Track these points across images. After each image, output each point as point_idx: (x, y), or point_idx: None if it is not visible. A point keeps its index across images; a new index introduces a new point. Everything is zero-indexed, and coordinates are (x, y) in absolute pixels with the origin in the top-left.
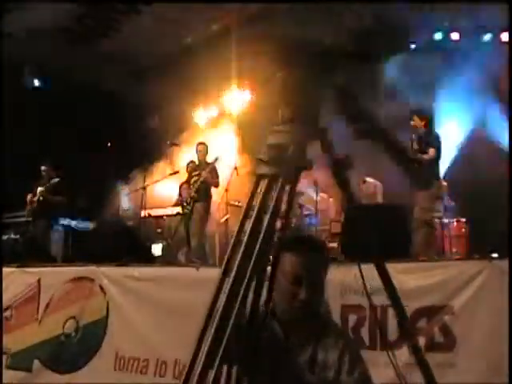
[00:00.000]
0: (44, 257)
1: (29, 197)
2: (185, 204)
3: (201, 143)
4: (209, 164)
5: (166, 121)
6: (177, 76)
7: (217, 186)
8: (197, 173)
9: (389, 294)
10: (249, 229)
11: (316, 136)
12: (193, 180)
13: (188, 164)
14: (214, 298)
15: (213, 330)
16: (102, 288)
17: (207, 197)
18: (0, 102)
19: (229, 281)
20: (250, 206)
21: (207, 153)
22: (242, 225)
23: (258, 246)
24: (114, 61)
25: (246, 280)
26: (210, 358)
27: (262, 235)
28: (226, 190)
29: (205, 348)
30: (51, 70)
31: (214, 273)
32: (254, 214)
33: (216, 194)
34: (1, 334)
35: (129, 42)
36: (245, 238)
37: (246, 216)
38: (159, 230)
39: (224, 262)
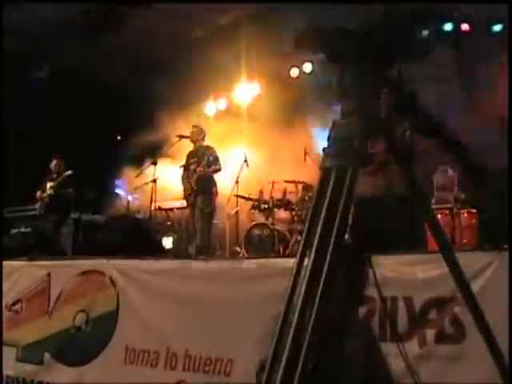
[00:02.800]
0: (54, 250)
1: (38, 193)
2: (188, 196)
3: (194, 126)
4: (206, 148)
5: (175, 113)
6: (186, 68)
7: (217, 171)
8: (193, 160)
9: (456, 282)
10: (321, 221)
11: (379, 129)
12: (191, 168)
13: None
14: (289, 295)
15: (292, 331)
16: (112, 281)
17: (208, 189)
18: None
19: (305, 274)
20: (318, 201)
21: (201, 135)
22: (315, 216)
23: (332, 239)
24: (123, 54)
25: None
26: (292, 358)
27: (335, 228)
28: (237, 182)
29: (287, 346)
30: (60, 63)
31: (224, 265)
32: (324, 207)
33: (225, 186)
34: (1, 334)
35: (138, 35)
36: (318, 230)
37: (316, 210)
38: (169, 223)
39: (298, 256)
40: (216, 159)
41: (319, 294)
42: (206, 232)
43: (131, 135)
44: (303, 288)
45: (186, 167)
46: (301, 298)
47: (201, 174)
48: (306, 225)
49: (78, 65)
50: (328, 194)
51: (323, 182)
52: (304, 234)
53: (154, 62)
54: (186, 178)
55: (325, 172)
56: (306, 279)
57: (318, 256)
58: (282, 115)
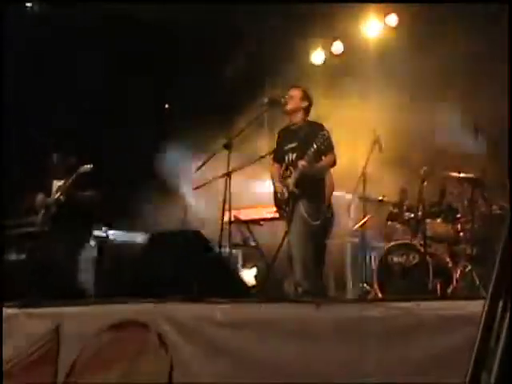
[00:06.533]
0: (66, 289)
1: (39, 198)
2: (282, 203)
3: (295, 85)
4: (312, 128)
5: (262, 63)
6: None
7: (332, 165)
8: (291, 146)
9: None
10: None
11: None
12: (287, 158)
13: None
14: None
15: None
16: (161, 338)
17: (318, 192)
18: None
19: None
20: None
21: (305, 104)
22: None
23: None
24: None
25: None
26: None
27: None
28: (363, 178)
29: None
30: None
31: (345, 313)
32: None
33: (343, 184)
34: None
35: None
36: None
37: None
38: (253, 243)
39: (488, 299)
40: (330, 145)
41: None
42: (314, 258)
43: (187, 102)
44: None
45: (276, 156)
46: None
47: (305, 171)
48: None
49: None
50: None
51: None
52: (497, 264)
53: None
54: (278, 174)
55: None
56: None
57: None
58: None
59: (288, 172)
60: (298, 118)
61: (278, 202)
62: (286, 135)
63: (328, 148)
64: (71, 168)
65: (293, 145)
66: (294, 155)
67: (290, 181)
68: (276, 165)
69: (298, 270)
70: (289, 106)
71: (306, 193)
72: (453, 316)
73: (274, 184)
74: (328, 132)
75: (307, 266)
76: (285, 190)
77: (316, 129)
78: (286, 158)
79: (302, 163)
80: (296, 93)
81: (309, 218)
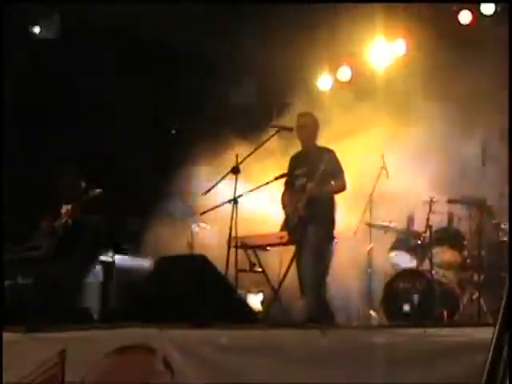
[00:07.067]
0: (71, 314)
1: (45, 222)
2: (291, 229)
3: (305, 113)
4: (322, 150)
5: (269, 90)
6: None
7: (341, 189)
8: (302, 170)
9: None
10: None
11: None
12: (297, 183)
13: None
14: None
15: None
16: (167, 363)
17: (327, 214)
18: None
19: None
20: None
21: (314, 130)
22: None
23: None
24: None
25: None
26: None
27: None
28: (370, 203)
29: None
30: None
31: (351, 339)
32: None
33: (350, 209)
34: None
35: None
36: None
37: None
38: (259, 269)
39: (497, 327)
40: (339, 169)
41: None
42: (322, 283)
43: (194, 127)
44: None
45: (288, 182)
46: None
47: (314, 194)
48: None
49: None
50: None
51: None
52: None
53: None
54: (288, 199)
55: None
56: None
57: None
58: (444, 88)
59: (298, 197)
60: (308, 143)
61: (288, 226)
62: (296, 161)
63: (337, 171)
64: (80, 192)
65: (303, 170)
66: (305, 180)
67: (300, 204)
68: (287, 190)
69: (308, 293)
70: (300, 135)
71: (316, 217)
72: (460, 343)
73: (284, 209)
74: (336, 156)
75: (318, 290)
76: (295, 214)
77: (325, 153)
78: (297, 183)
79: (310, 185)
80: (306, 120)
81: (318, 243)
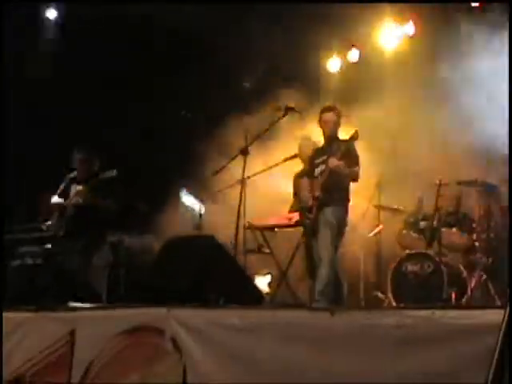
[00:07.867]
0: (81, 294)
1: (55, 200)
2: (304, 210)
3: (329, 108)
4: (342, 142)
5: (277, 73)
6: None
7: (356, 178)
8: (322, 159)
9: None
10: None
11: None
12: (317, 171)
13: (303, 143)
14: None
15: None
16: (175, 343)
17: (342, 197)
18: None
19: None
20: None
21: (339, 123)
22: None
23: None
24: None
25: None
26: None
27: None
28: (379, 186)
29: None
30: None
31: (359, 320)
32: None
33: (359, 192)
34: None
35: None
36: None
37: None
38: (268, 251)
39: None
40: (355, 161)
41: None
42: (334, 265)
43: (205, 109)
44: None
45: (308, 171)
46: None
47: (335, 167)
48: None
49: None
50: None
51: None
52: None
53: None
54: (305, 182)
55: None
56: None
57: None
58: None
59: (316, 181)
60: (330, 136)
61: (301, 209)
62: (317, 152)
63: (353, 162)
64: (92, 172)
65: (323, 158)
66: (324, 167)
67: (317, 187)
68: (306, 178)
69: (324, 273)
70: (324, 129)
71: (334, 195)
72: (468, 325)
73: (297, 191)
74: (355, 146)
75: (334, 270)
76: (311, 194)
77: (345, 142)
78: (316, 170)
79: (331, 160)
80: (331, 116)
81: (335, 222)
